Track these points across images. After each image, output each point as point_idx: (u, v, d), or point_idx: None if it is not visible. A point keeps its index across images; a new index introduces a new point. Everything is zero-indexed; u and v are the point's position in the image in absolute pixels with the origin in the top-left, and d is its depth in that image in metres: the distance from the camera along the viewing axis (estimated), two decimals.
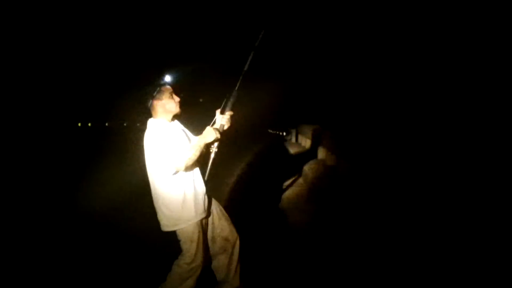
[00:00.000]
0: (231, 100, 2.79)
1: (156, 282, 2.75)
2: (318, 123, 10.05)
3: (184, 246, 2.64)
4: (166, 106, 2.61)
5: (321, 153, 8.24)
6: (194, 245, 2.64)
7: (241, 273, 2.91)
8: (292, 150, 11.00)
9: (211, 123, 2.73)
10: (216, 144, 2.68)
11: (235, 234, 2.87)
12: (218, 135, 2.60)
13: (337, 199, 5.20)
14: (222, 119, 2.73)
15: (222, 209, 2.89)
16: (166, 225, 2.61)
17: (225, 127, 2.76)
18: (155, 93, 2.58)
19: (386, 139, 5.95)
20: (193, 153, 2.50)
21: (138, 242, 3.80)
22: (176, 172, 2.50)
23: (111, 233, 4.12)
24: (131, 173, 5.24)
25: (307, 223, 4.66)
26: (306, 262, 3.56)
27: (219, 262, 2.86)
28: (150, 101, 2.58)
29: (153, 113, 2.62)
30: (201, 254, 2.67)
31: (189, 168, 2.53)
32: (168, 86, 2.64)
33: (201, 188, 2.69)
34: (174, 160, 2.44)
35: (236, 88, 2.81)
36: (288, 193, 6.19)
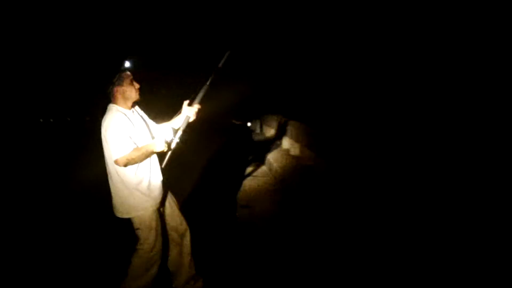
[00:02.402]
0: (201, 93, 2.85)
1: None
2: (282, 114, 10.22)
3: (142, 234, 2.59)
4: (126, 92, 2.58)
5: (285, 143, 8.51)
6: (153, 232, 2.61)
7: (196, 263, 2.89)
8: (256, 139, 11.28)
9: (178, 113, 2.83)
10: (178, 135, 2.68)
11: (185, 226, 2.84)
12: (165, 149, 2.58)
13: (301, 188, 5.33)
14: (189, 111, 2.80)
15: (174, 199, 2.87)
16: (120, 211, 2.59)
17: (191, 119, 2.81)
18: (116, 79, 2.57)
19: (345, 128, 6.10)
20: (137, 156, 2.47)
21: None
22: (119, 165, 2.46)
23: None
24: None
25: (270, 213, 4.69)
26: (265, 253, 3.57)
27: (170, 253, 2.82)
28: (111, 87, 2.57)
29: (112, 99, 2.59)
30: (160, 241, 2.65)
31: (130, 165, 2.50)
32: (128, 73, 2.62)
33: (158, 175, 2.68)
34: (116, 154, 2.42)
35: (208, 83, 2.87)
36: (251, 182, 6.30)
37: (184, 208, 2.95)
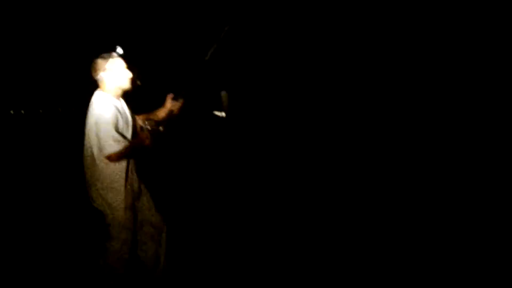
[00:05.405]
0: (186, 90, 2.84)
1: None
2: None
3: (114, 232, 2.55)
4: (116, 79, 2.54)
5: None
6: (125, 231, 2.56)
7: (169, 264, 2.88)
8: None
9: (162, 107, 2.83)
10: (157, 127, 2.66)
11: (162, 222, 2.81)
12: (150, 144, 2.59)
13: None
14: (173, 105, 2.80)
15: (149, 194, 2.83)
16: (98, 203, 2.56)
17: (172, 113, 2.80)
18: (107, 64, 2.51)
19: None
20: (129, 151, 2.48)
21: None
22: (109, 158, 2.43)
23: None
24: None
25: None
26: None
27: (147, 251, 2.76)
28: (100, 72, 2.51)
29: (101, 85, 2.55)
30: (129, 242, 2.60)
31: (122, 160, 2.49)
32: (120, 59, 2.57)
33: (136, 172, 2.66)
34: (110, 149, 2.38)
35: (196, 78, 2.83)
36: None
37: (161, 205, 2.93)
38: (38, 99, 18.65)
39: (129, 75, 2.58)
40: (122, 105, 2.61)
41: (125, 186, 2.52)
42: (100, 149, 2.40)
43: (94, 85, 2.61)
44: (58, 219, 4.47)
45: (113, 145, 2.37)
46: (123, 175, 2.51)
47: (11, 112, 18.02)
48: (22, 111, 18.45)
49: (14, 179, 6.33)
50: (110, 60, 2.52)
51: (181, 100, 2.82)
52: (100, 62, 2.53)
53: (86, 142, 2.51)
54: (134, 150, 2.52)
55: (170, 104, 2.80)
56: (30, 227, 4.32)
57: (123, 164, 2.51)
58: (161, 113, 2.80)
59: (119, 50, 2.58)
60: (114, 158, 2.40)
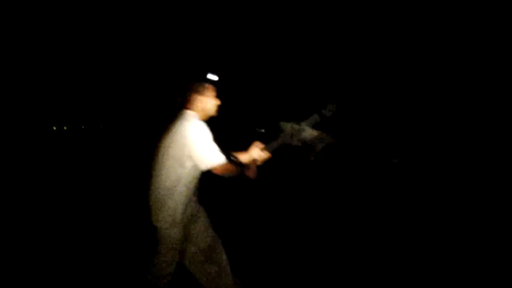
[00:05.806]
0: (275, 144, 2.69)
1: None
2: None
3: (162, 249, 2.53)
4: (207, 104, 2.55)
5: None
6: (172, 252, 2.53)
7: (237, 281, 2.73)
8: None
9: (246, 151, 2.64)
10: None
11: (218, 240, 2.73)
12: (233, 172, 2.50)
13: None
14: (256, 154, 2.62)
15: (206, 215, 2.76)
16: (159, 221, 2.50)
17: (254, 163, 2.64)
18: (201, 87, 2.54)
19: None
20: (231, 169, 2.45)
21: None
22: (206, 170, 2.41)
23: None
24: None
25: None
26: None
27: (206, 273, 2.68)
28: (192, 94, 2.52)
29: (190, 106, 2.53)
30: (174, 265, 2.57)
31: (226, 175, 2.45)
32: (213, 86, 2.60)
33: (195, 194, 2.64)
34: (215, 161, 2.36)
35: (284, 135, 2.70)
36: None
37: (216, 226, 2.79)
38: (81, 116, 18.96)
39: (218, 102, 2.60)
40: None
41: (184, 208, 2.49)
42: (201, 161, 2.37)
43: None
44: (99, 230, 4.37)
45: (218, 158, 2.36)
46: (186, 198, 2.49)
47: (54, 128, 19.05)
48: (65, 127, 18.86)
49: (57, 191, 6.31)
50: (205, 85, 2.55)
51: (266, 155, 2.64)
52: (195, 85, 2.55)
53: (164, 159, 2.43)
54: (234, 170, 2.45)
55: (256, 154, 2.62)
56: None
57: (191, 186, 2.49)
58: (244, 157, 2.60)
59: (213, 76, 2.67)
60: (220, 169, 2.38)
